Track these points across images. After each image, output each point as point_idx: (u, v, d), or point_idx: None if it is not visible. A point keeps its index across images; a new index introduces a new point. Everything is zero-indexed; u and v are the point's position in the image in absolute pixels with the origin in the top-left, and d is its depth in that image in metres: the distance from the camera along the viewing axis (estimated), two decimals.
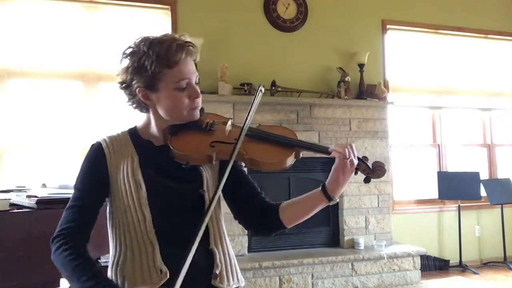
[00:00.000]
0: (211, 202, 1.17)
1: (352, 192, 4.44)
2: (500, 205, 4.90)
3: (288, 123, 4.22)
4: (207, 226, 1.25)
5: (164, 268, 1.18)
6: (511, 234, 5.09)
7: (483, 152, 5.47)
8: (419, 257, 4.28)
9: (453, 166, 5.23)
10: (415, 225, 4.88)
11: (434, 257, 4.80)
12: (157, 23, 4.17)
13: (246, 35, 4.38)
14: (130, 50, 1.24)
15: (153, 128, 1.30)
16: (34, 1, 3.85)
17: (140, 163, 1.24)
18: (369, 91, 4.61)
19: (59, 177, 3.69)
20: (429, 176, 5.05)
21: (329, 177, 1.23)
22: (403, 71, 5.01)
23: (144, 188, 1.21)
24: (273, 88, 4.24)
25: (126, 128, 1.35)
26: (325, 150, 1.24)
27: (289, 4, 4.52)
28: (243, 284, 1.34)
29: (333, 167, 1.22)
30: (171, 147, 1.23)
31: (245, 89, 4.14)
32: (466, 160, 5.32)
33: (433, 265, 4.76)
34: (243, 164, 1.30)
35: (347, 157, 1.19)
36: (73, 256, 1.14)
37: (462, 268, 4.77)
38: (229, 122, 1.32)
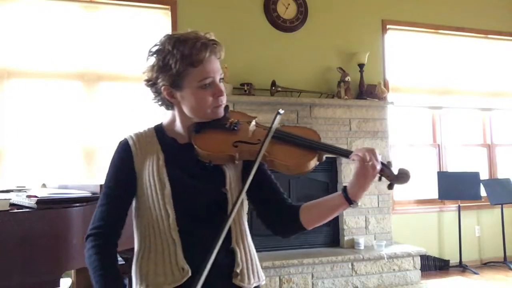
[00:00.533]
0: (234, 205, 1.19)
1: None
2: (500, 205, 4.90)
3: (288, 123, 4.22)
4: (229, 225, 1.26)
5: (186, 266, 1.19)
6: (511, 234, 5.09)
7: (483, 152, 5.47)
8: (419, 257, 4.28)
9: (453, 166, 5.23)
10: (415, 225, 4.88)
11: (434, 257, 4.80)
12: (157, 23, 4.17)
13: (246, 35, 4.38)
14: (156, 48, 1.25)
15: (178, 125, 1.31)
16: (34, 1, 3.85)
17: (165, 162, 1.25)
18: (369, 91, 4.61)
19: (59, 177, 3.70)
20: (429, 176, 5.05)
21: (350, 181, 1.22)
22: (403, 71, 5.01)
23: (169, 187, 1.22)
24: (273, 88, 4.24)
25: (152, 124, 1.36)
26: (347, 154, 1.22)
27: (289, 4, 4.52)
28: (263, 282, 1.35)
29: (354, 171, 1.20)
30: (194, 146, 1.24)
31: (245, 89, 4.14)
32: (466, 160, 5.32)
33: (433, 265, 4.76)
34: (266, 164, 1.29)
35: (367, 160, 1.16)
36: (99, 262, 1.16)
37: (462, 268, 4.77)
38: (253, 122, 1.32)
